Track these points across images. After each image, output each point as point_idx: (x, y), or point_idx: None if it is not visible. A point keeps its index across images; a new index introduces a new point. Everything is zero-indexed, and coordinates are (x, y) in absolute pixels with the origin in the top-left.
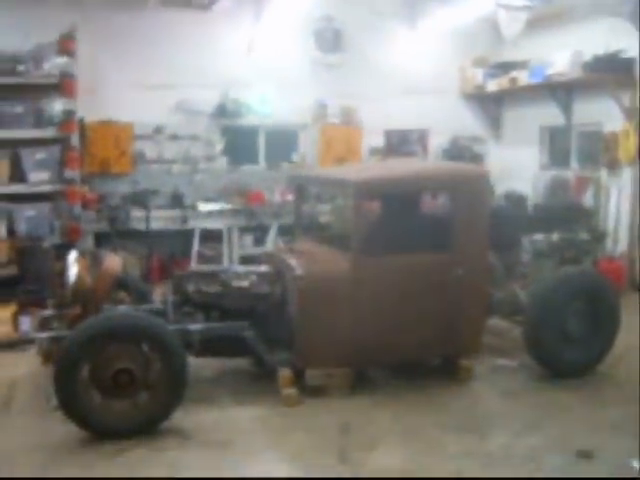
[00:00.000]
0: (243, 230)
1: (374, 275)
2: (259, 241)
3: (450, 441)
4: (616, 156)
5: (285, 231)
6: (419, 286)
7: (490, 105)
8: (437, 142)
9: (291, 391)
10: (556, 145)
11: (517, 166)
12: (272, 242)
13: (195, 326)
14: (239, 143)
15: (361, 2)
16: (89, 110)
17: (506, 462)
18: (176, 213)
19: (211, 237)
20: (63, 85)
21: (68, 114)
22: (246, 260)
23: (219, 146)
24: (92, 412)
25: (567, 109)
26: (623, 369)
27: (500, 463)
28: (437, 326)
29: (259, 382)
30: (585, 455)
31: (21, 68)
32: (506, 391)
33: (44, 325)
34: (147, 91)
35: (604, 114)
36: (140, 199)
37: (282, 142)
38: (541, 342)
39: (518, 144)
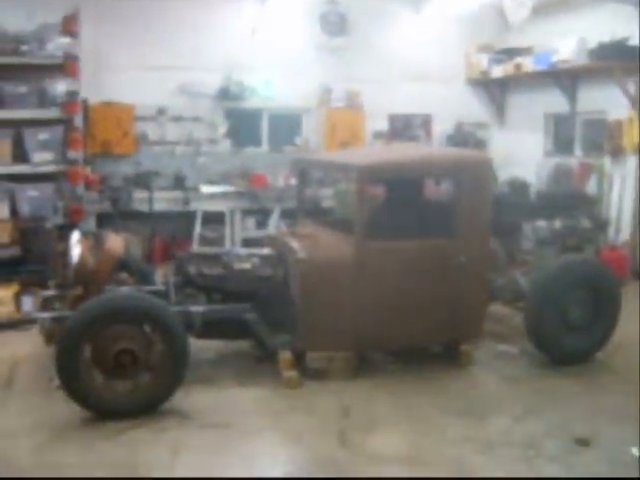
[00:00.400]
0: (246, 213)
1: (376, 260)
2: (261, 224)
3: (450, 425)
4: (620, 144)
5: (288, 214)
6: (421, 271)
7: (495, 91)
8: (441, 127)
9: (292, 374)
10: (560, 132)
11: (521, 152)
12: (275, 225)
13: (197, 308)
14: (242, 126)
15: None
16: (92, 91)
17: (505, 447)
18: (178, 195)
19: (213, 219)
20: (66, 66)
21: (71, 95)
22: (248, 243)
23: (222, 128)
24: (94, 392)
25: (572, 96)
26: (623, 357)
27: (499, 448)
28: (439, 311)
29: (260, 364)
30: (583, 442)
31: (24, 48)
32: (506, 377)
33: (46, 305)
34: (150, 72)
35: (609, 102)
36: (143, 180)
37: (286, 125)
38: (542, 329)
39: (522, 130)
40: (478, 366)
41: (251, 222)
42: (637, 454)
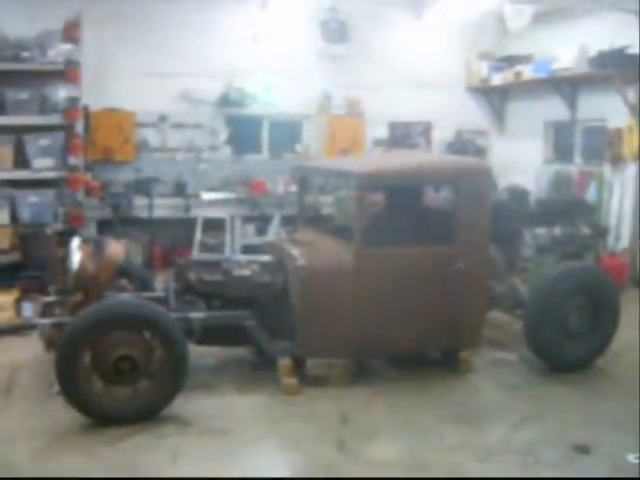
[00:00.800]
0: (246, 220)
1: (376, 267)
2: (261, 231)
3: (448, 432)
4: (620, 152)
5: (288, 221)
6: (421, 278)
7: (495, 99)
8: (441, 135)
9: (291, 380)
10: (560, 140)
11: (520, 160)
12: (274, 232)
13: (196, 314)
14: (243, 133)
15: None
16: (93, 97)
17: (504, 454)
18: (179, 201)
19: (213, 226)
20: (68, 72)
21: (72, 101)
22: (248, 249)
23: (223, 135)
24: (93, 398)
25: (572, 104)
26: (622, 364)
27: (498, 455)
28: (438, 318)
29: (259, 371)
30: (583, 450)
31: (26, 54)
32: (505, 384)
33: (46, 311)
34: (152, 79)
35: (609, 110)
36: (143, 187)
37: (286, 132)
38: (541, 336)
39: (522, 138)
40: (477, 373)
41: (251, 229)
42: (634, 461)
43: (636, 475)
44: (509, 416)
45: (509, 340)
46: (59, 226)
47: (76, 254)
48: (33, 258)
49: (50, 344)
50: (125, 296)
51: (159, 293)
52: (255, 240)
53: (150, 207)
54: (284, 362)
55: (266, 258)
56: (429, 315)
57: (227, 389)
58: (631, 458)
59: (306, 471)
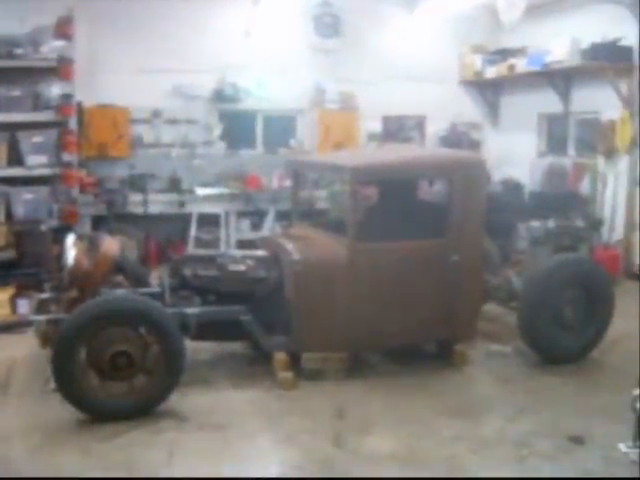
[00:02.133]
0: (240, 215)
1: (370, 260)
2: (256, 226)
3: (444, 425)
4: (613, 144)
5: (282, 216)
6: (415, 272)
7: (488, 92)
8: (435, 128)
9: (287, 374)
10: (554, 132)
11: (514, 153)
12: (269, 227)
13: (192, 309)
14: (237, 128)
15: None
16: (87, 94)
17: (499, 446)
18: (174, 197)
19: (208, 221)
20: (61, 68)
21: (66, 98)
22: (243, 244)
23: (217, 130)
24: (89, 394)
25: (565, 96)
26: (616, 355)
27: (493, 447)
28: (433, 311)
29: (255, 365)
30: (577, 440)
31: (19, 51)
32: (500, 376)
33: (42, 308)
34: (145, 75)
35: (602, 102)
36: (138, 183)
37: (280, 127)
38: (535, 328)
39: (516, 131)
40: (472, 366)
41: (246, 224)
42: (625, 450)
43: (627, 463)
44: (504, 408)
45: (504, 332)
46: (54, 223)
47: (71, 250)
48: (28, 255)
49: (46, 341)
50: (121, 292)
51: (154, 289)
52: (250, 235)
53: (145, 203)
54: (280, 356)
55: (261, 253)
56: (424, 308)
57: (223, 384)
58: (623, 447)
59: (302, 465)
